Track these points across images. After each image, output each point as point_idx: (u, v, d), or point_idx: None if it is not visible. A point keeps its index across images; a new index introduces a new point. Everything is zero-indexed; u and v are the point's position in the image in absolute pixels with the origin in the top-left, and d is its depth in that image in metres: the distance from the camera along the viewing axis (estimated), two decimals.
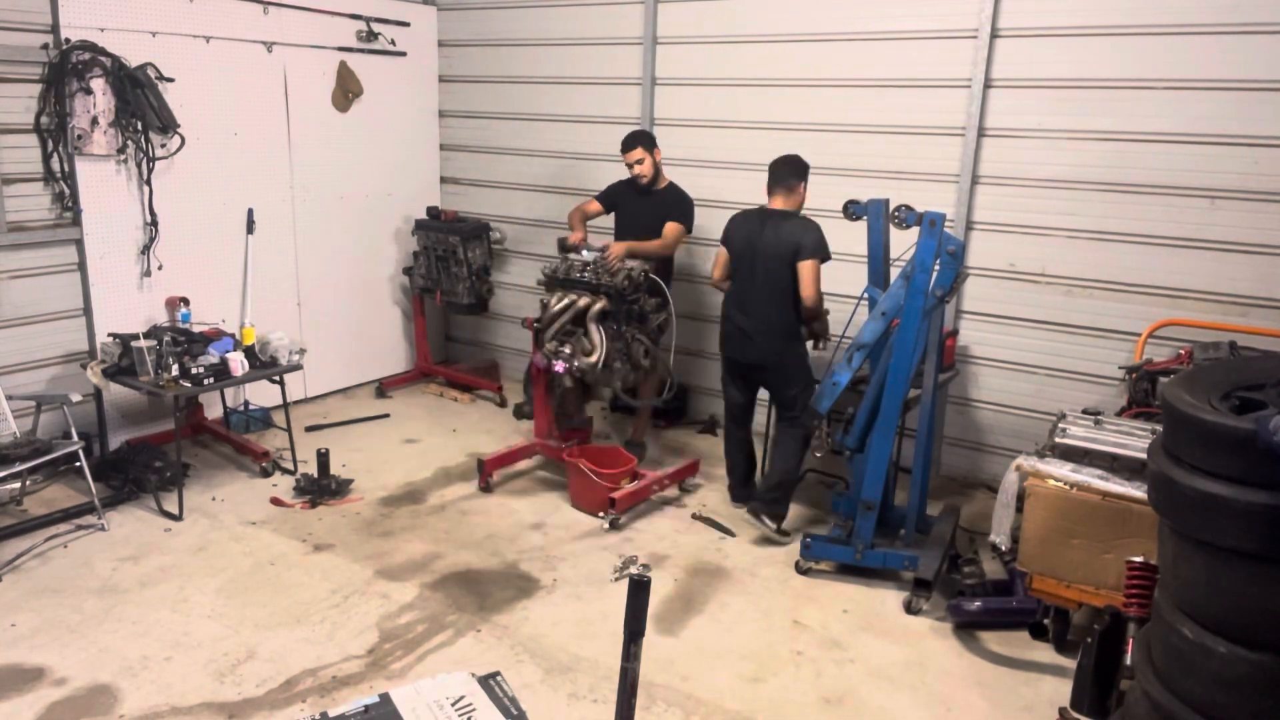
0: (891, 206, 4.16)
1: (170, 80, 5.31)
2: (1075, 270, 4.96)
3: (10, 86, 4.74)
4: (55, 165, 4.93)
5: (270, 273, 6.12)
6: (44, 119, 4.85)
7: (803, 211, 4.71)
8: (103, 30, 4.99)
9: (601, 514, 4.79)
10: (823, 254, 4.52)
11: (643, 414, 5.70)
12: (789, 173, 4.64)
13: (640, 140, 5.34)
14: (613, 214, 5.62)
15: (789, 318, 4.63)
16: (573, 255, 5.20)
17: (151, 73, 5.20)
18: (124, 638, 3.68)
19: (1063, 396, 4.95)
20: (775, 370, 4.69)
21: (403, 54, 6.72)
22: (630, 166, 5.35)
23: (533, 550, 4.51)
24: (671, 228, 5.36)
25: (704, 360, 6.23)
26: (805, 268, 4.49)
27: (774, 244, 4.55)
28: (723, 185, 5.94)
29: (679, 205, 5.44)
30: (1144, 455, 3.13)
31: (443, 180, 7.24)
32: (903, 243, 4.15)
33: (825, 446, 4.28)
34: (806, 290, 4.51)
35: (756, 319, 4.64)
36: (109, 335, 4.98)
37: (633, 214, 5.48)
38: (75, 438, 4.58)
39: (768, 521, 4.60)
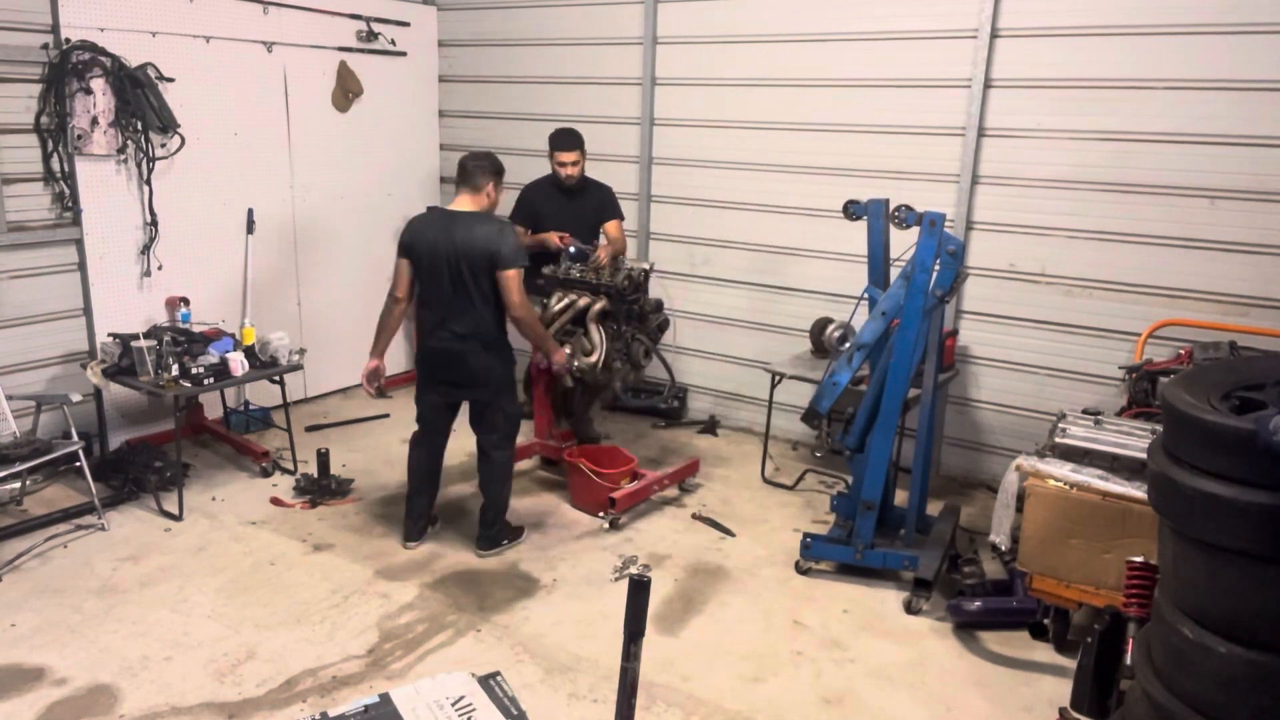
0: (891, 206, 4.16)
1: (170, 80, 5.31)
2: (1075, 270, 4.96)
3: (10, 86, 4.74)
4: (55, 165, 4.93)
5: (270, 273, 6.12)
6: (44, 119, 4.85)
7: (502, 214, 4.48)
8: (103, 30, 4.99)
9: (601, 514, 4.79)
10: (521, 262, 4.13)
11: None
12: (477, 170, 4.17)
13: (579, 140, 5.34)
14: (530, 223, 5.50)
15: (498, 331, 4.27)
16: (565, 258, 5.17)
17: (151, 73, 5.20)
18: (124, 638, 3.68)
19: (1063, 396, 4.95)
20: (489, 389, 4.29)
21: (403, 54, 6.72)
22: (564, 166, 5.30)
23: (533, 550, 4.51)
24: (617, 226, 5.41)
25: (705, 359, 6.24)
26: (508, 277, 4.07)
27: (467, 249, 4.07)
28: (722, 185, 5.95)
29: (612, 200, 5.49)
30: (1144, 455, 3.13)
31: (443, 180, 7.24)
32: (903, 243, 4.15)
33: (825, 446, 4.28)
34: (513, 301, 4.10)
35: (466, 334, 4.19)
36: (109, 335, 4.98)
37: (566, 216, 5.38)
38: (75, 438, 4.58)
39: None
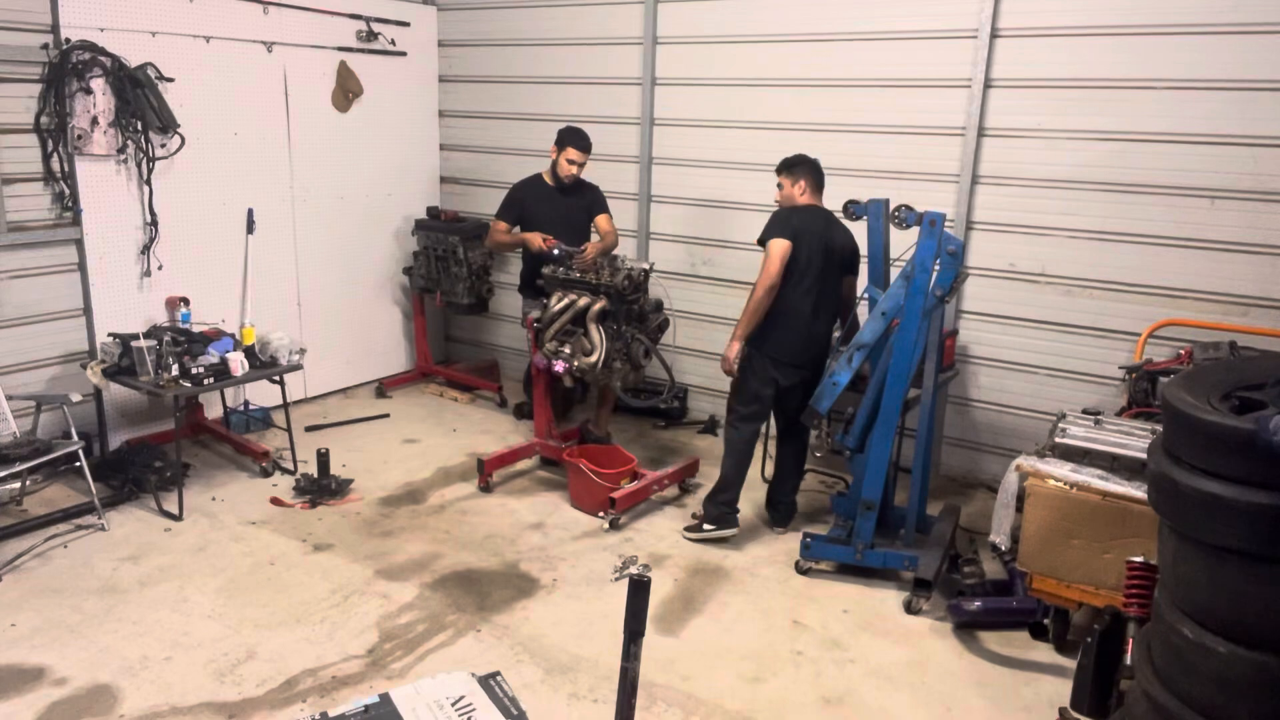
0: (891, 206, 4.16)
1: (170, 80, 5.31)
2: (1075, 270, 4.96)
3: (10, 86, 4.74)
4: (55, 165, 4.93)
5: (270, 273, 6.13)
6: (44, 119, 4.85)
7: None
8: (103, 30, 4.99)
9: (601, 514, 4.79)
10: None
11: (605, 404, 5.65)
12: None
13: (590, 143, 5.41)
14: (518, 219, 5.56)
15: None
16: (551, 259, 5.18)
17: (151, 73, 5.20)
18: (124, 638, 3.68)
19: (1063, 396, 4.95)
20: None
21: (403, 54, 6.72)
22: (573, 165, 5.38)
23: (533, 550, 4.51)
24: (608, 220, 5.49)
25: (705, 359, 6.23)
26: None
27: (840, 245, 4.46)
28: (723, 185, 5.95)
29: (602, 197, 5.57)
30: (1144, 455, 3.13)
31: (443, 180, 7.24)
32: (903, 243, 4.15)
33: (825, 446, 4.28)
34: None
35: (825, 324, 4.52)
36: (109, 335, 4.97)
37: (560, 214, 5.42)
38: (75, 438, 4.58)
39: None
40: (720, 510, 4.64)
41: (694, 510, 4.95)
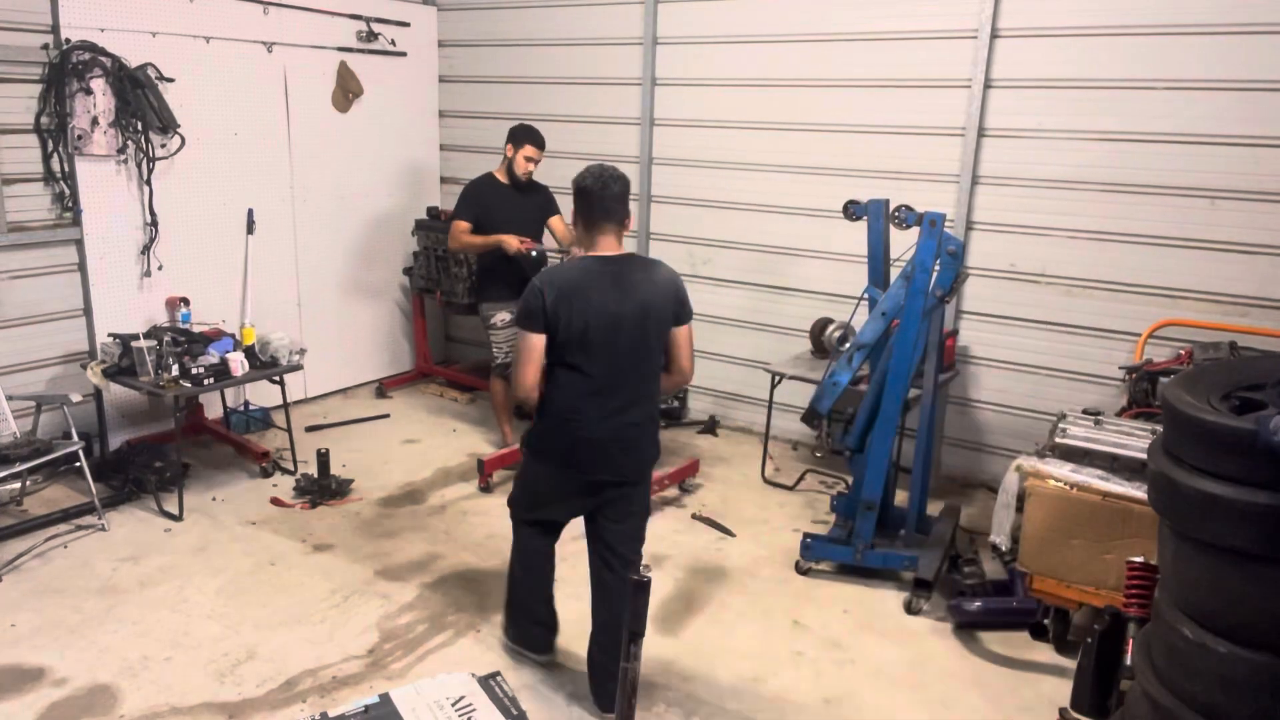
0: (891, 206, 4.16)
1: (170, 80, 5.31)
2: (1075, 270, 4.96)
3: (10, 86, 4.74)
4: (55, 165, 4.93)
5: (270, 273, 6.12)
6: (44, 119, 4.85)
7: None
8: (103, 30, 4.99)
9: None
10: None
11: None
12: (626, 196, 3.22)
13: (544, 139, 5.38)
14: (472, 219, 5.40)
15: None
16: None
17: (151, 73, 5.20)
18: (124, 638, 3.68)
19: (1063, 396, 4.95)
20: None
21: (403, 54, 6.72)
22: (531, 162, 5.33)
23: None
24: (561, 220, 5.44)
25: (705, 359, 6.23)
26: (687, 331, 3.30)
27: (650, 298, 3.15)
28: (722, 185, 5.95)
29: (553, 197, 5.52)
30: (1144, 455, 3.13)
31: (443, 180, 7.24)
32: (903, 243, 4.15)
33: (825, 446, 4.28)
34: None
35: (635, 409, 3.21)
36: (109, 335, 4.97)
37: (518, 213, 5.33)
38: (75, 438, 4.58)
39: None
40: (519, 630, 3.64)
41: (694, 511, 4.96)
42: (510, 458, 5.28)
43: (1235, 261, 4.57)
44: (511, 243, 5.18)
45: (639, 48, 6.11)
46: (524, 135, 5.33)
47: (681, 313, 3.24)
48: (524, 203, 5.40)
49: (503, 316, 5.29)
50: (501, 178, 5.41)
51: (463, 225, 5.30)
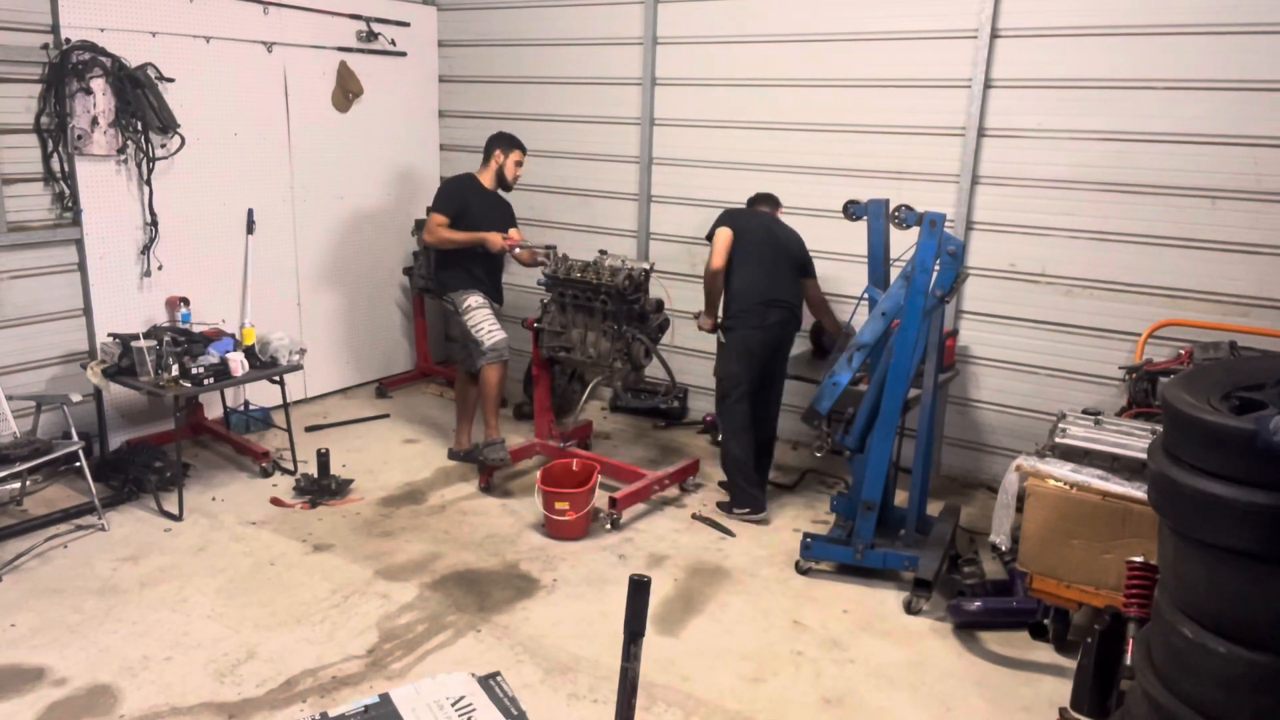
0: (891, 206, 4.16)
1: (170, 80, 5.31)
2: (1075, 270, 4.96)
3: (10, 86, 4.74)
4: (55, 165, 4.93)
5: (270, 273, 6.12)
6: (44, 119, 4.85)
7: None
8: (103, 30, 4.99)
9: (601, 514, 4.79)
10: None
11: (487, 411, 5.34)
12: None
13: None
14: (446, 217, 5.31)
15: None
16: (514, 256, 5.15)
17: (151, 73, 5.20)
18: (124, 638, 3.68)
19: (1063, 396, 4.95)
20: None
21: (403, 54, 6.73)
22: (519, 167, 5.33)
23: (533, 550, 4.51)
24: (519, 232, 5.39)
25: (705, 360, 6.23)
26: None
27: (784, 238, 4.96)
28: (723, 185, 5.94)
29: (512, 208, 5.49)
30: (1144, 455, 3.13)
31: (442, 180, 7.23)
32: (903, 243, 4.15)
33: (825, 446, 4.28)
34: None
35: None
36: (109, 335, 4.97)
37: (495, 216, 5.31)
38: (75, 438, 4.58)
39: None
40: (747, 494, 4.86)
41: (693, 511, 4.96)
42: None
43: (1235, 261, 4.57)
44: (496, 240, 5.14)
45: (639, 48, 6.11)
46: (513, 141, 5.33)
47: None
48: (499, 207, 5.37)
49: (475, 298, 5.22)
50: (485, 182, 5.32)
51: (441, 219, 5.20)
